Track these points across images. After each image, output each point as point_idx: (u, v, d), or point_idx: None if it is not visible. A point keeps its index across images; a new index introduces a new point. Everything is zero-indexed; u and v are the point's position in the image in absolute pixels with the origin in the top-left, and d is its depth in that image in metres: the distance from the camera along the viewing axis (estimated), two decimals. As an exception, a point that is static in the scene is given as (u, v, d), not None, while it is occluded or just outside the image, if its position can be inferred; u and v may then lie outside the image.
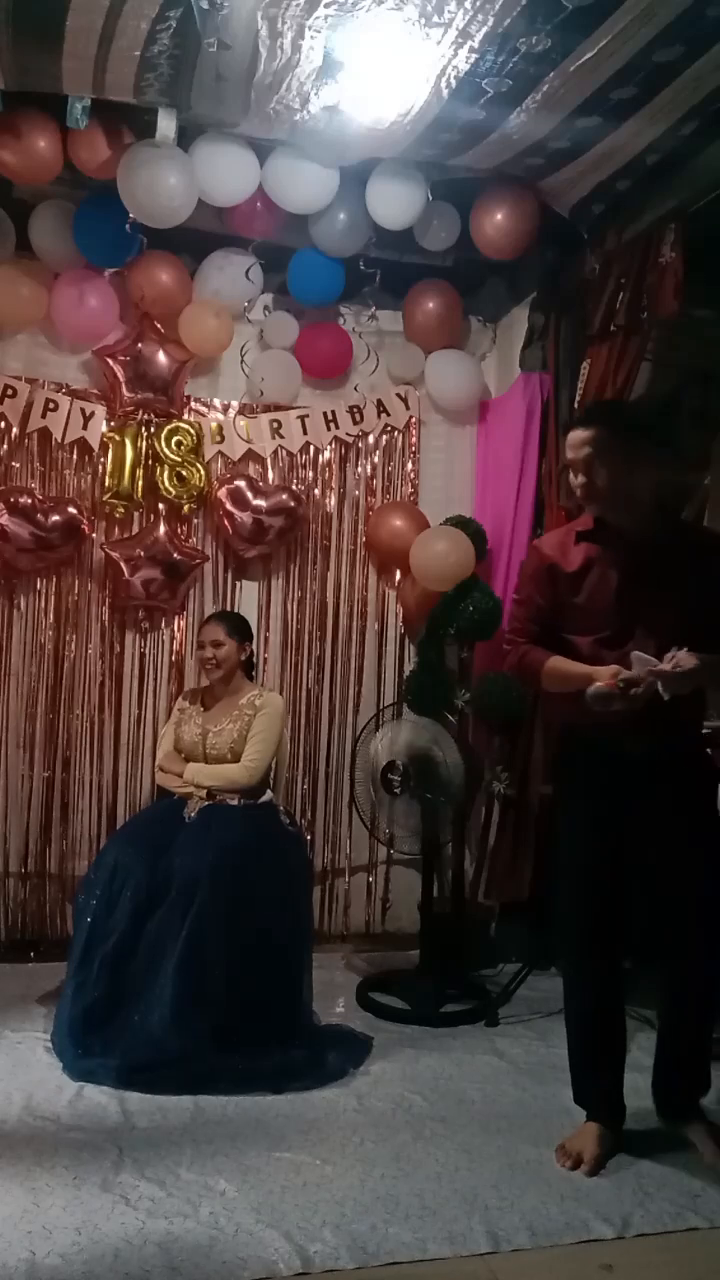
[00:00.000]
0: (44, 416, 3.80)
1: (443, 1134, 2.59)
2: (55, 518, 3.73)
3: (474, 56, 2.77)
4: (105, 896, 3.04)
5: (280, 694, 3.97)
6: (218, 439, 4.00)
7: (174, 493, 3.89)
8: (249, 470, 4.04)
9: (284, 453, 4.09)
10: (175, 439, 3.88)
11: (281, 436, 4.06)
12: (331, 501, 4.17)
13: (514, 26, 2.62)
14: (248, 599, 4.08)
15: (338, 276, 3.96)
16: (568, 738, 2.66)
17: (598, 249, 3.65)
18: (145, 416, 3.87)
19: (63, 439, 3.83)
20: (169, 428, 3.88)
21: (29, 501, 3.71)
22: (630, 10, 2.52)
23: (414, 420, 4.23)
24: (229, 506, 3.92)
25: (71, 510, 3.77)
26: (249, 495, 3.93)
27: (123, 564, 3.82)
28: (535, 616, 2.56)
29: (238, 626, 3.45)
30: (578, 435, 2.44)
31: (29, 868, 3.84)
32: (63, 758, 3.89)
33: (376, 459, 4.22)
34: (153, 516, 3.93)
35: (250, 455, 4.05)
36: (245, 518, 3.91)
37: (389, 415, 4.19)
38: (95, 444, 3.87)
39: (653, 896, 2.54)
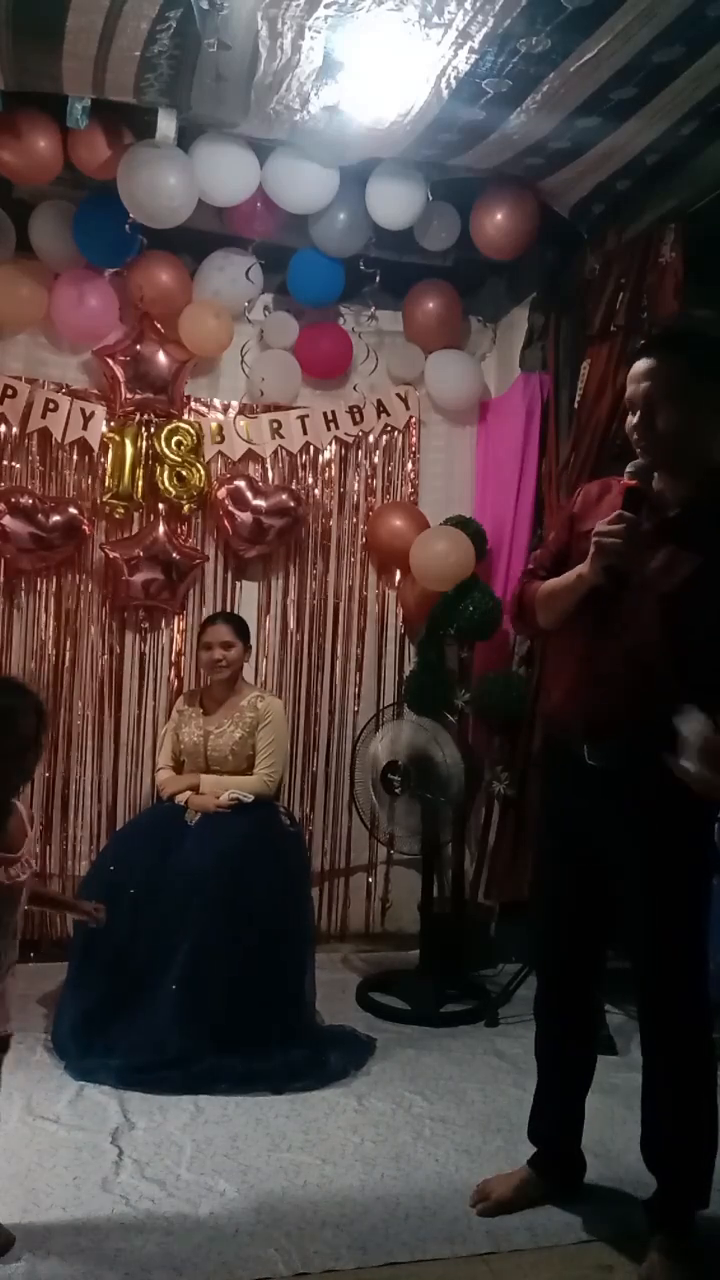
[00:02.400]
0: (44, 416, 3.80)
1: (443, 1134, 2.59)
2: (55, 518, 3.73)
3: (474, 57, 2.77)
4: (105, 897, 3.03)
5: (280, 694, 3.98)
6: (218, 439, 4.00)
7: (174, 493, 3.89)
8: (249, 470, 4.04)
9: (284, 453, 4.09)
10: (175, 439, 3.88)
11: (281, 436, 4.06)
12: (331, 501, 4.17)
13: (514, 27, 2.62)
14: (248, 599, 4.08)
15: (338, 276, 3.96)
16: (546, 738, 2.34)
17: (598, 249, 3.65)
18: (145, 416, 3.88)
19: (63, 439, 3.83)
20: (169, 428, 3.88)
21: (29, 501, 3.71)
22: (630, 10, 2.52)
23: (414, 420, 4.22)
24: (229, 506, 3.92)
25: (71, 510, 3.77)
26: (249, 495, 3.93)
27: (123, 564, 3.82)
28: (548, 561, 2.17)
29: (244, 629, 3.46)
30: (643, 365, 1.94)
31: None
32: (63, 758, 3.89)
33: (376, 459, 4.22)
34: (153, 516, 3.93)
35: (250, 455, 4.05)
36: (245, 518, 3.91)
37: (389, 415, 4.19)
38: (95, 444, 3.87)
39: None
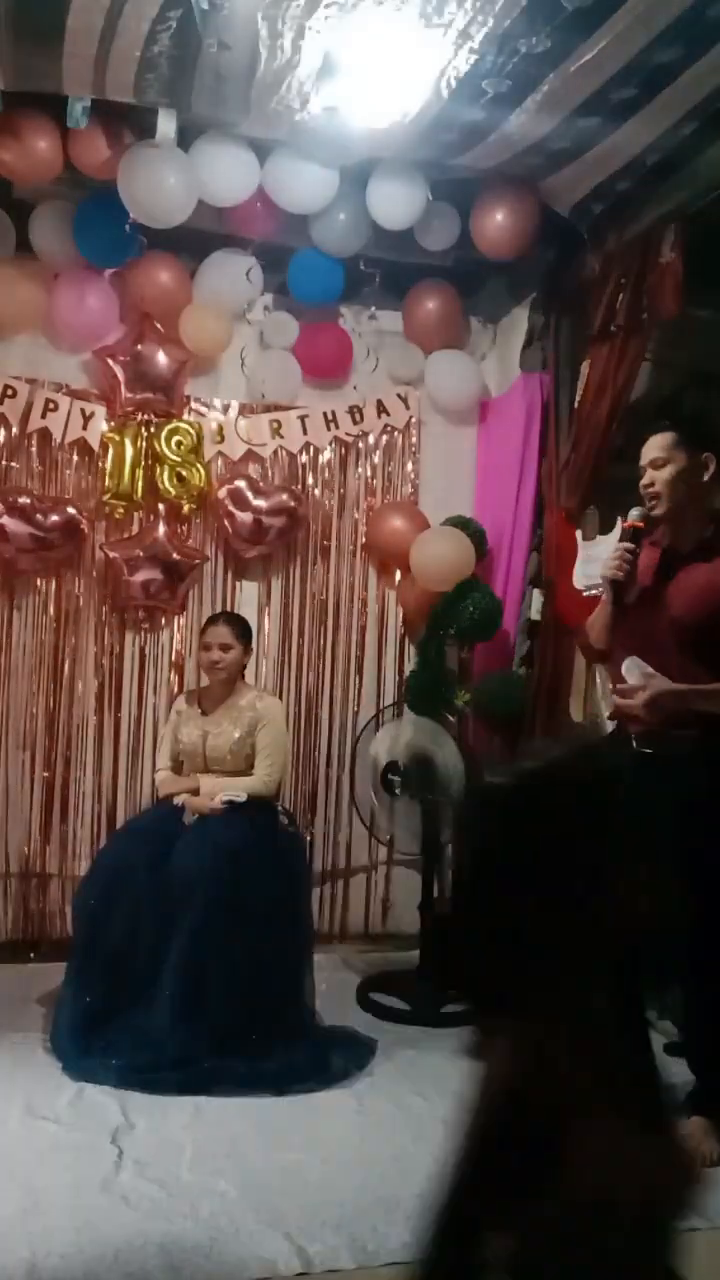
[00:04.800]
0: (44, 417, 3.80)
1: (443, 1134, 2.57)
2: (55, 518, 3.73)
3: (474, 57, 2.77)
4: (105, 897, 3.04)
5: (280, 694, 3.98)
6: (218, 439, 3.99)
7: (174, 493, 3.89)
8: (249, 470, 4.04)
9: (284, 453, 4.09)
10: (175, 439, 3.88)
11: (281, 436, 4.05)
12: (331, 501, 4.17)
13: (514, 27, 2.62)
14: (248, 599, 4.08)
15: (338, 276, 3.96)
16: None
17: (598, 249, 3.65)
18: (145, 416, 3.87)
19: (63, 439, 3.83)
20: (169, 428, 3.88)
21: (28, 501, 3.71)
22: (630, 11, 2.52)
23: (414, 420, 4.22)
24: (229, 506, 3.92)
25: (71, 510, 3.77)
26: (249, 495, 3.93)
27: (123, 564, 3.82)
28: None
29: (244, 630, 3.45)
30: (657, 438, 2.53)
31: (29, 868, 3.83)
32: (63, 758, 3.89)
33: (376, 459, 4.22)
34: (153, 516, 3.93)
35: (250, 455, 4.05)
36: (245, 518, 3.91)
37: (389, 415, 4.18)
38: (95, 444, 3.87)
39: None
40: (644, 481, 2.52)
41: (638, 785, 2.44)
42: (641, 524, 2.48)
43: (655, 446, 2.51)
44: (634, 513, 2.51)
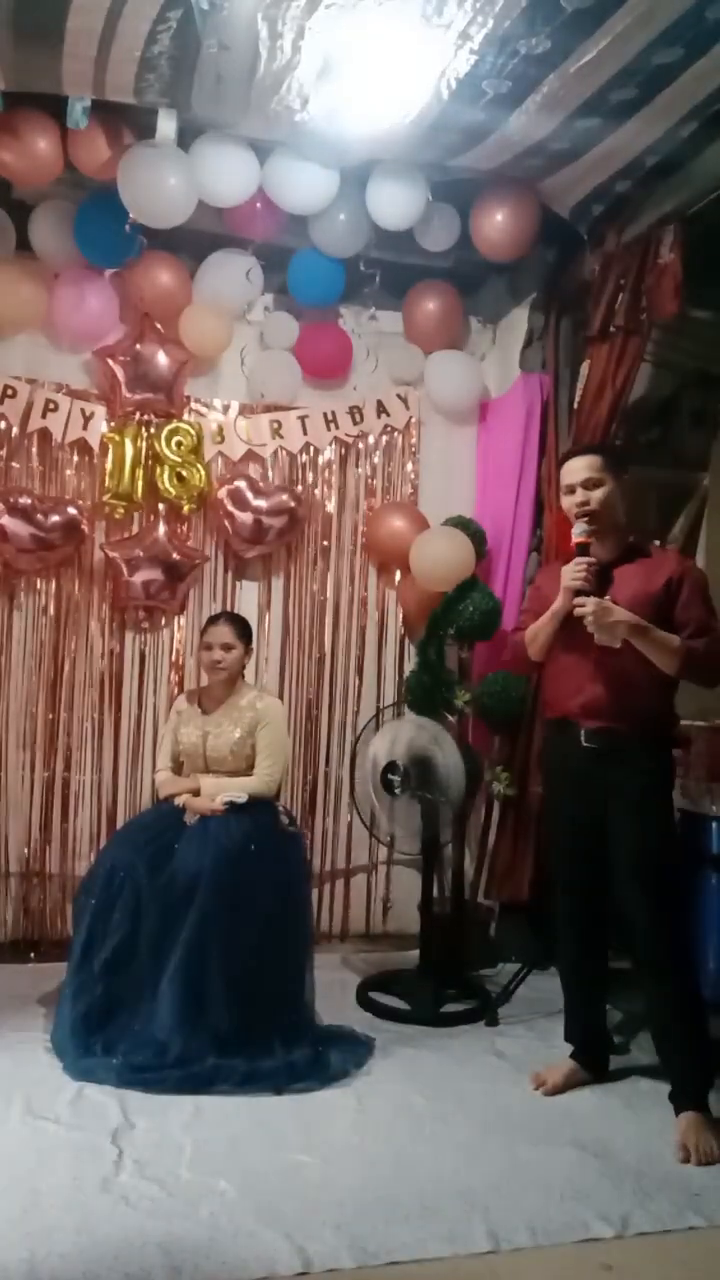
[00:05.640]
0: (44, 417, 3.80)
1: (443, 1134, 2.59)
2: (55, 518, 3.73)
3: (474, 58, 2.77)
4: (105, 897, 3.04)
5: (280, 694, 3.98)
6: (218, 439, 4.00)
7: (174, 493, 3.89)
8: (249, 470, 4.04)
9: (284, 453, 4.09)
10: (175, 439, 3.89)
11: (281, 437, 4.06)
12: (331, 502, 4.17)
13: (514, 28, 2.63)
14: (248, 599, 4.08)
15: (338, 277, 3.96)
16: (548, 724, 2.93)
17: (598, 249, 3.65)
18: (145, 417, 3.88)
19: (63, 439, 3.83)
20: (169, 428, 3.88)
21: (29, 501, 3.71)
22: (630, 12, 2.52)
23: (414, 421, 4.23)
24: (229, 507, 3.92)
25: (71, 510, 3.77)
26: (249, 496, 3.93)
27: (123, 564, 3.82)
28: (531, 619, 2.89)
29: (245, 630, 3.45)
30: (586, 460, 2.76)
31: (29, 868, 3.84)
32: (63, 758, 3.89)
33: (376, 459, 4.22)
34: (153, 516, 3.93)
35: (250, 455, 4.05)
36: (245, 518, 3.92)
37: (389, 416, 4.19)
38: (95, 444, 3.87)
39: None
40: (577, 499, 2.72)
41: (585, 774, 2.74)
42: (588, 539, 2.68)
43: (587, 467, 2.71)
44: (579, 529, 2.70)
